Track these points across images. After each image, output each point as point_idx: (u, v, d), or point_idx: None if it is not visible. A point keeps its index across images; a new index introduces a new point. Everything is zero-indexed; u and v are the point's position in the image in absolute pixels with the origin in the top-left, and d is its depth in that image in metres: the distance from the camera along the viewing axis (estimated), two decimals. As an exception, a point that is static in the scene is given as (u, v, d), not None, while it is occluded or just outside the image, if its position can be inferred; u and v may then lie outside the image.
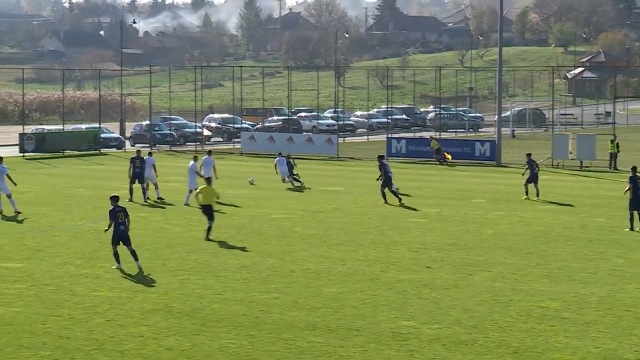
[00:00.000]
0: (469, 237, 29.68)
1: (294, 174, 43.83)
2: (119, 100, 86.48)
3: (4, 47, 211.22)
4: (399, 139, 62.01)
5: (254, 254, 26.62)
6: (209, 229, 29.10)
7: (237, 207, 36.34)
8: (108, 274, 23.70)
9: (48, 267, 24.56)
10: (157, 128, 71.25)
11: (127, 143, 69.70)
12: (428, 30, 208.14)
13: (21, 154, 60.66)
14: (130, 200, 37.50)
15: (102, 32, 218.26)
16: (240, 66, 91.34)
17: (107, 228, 24.74)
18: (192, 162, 37.55)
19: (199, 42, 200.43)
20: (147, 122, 72.66)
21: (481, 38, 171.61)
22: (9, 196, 34.79)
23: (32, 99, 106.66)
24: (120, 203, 24.79)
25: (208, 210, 29.27)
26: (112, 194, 25.33)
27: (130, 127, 74.16)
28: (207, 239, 28.77)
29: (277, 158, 43.88)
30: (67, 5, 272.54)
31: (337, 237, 29.51)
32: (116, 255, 24.32)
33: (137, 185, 38.29)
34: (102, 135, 66.47)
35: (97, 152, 63.57)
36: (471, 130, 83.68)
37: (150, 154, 40.61)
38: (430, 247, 27.86)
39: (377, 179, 38.69)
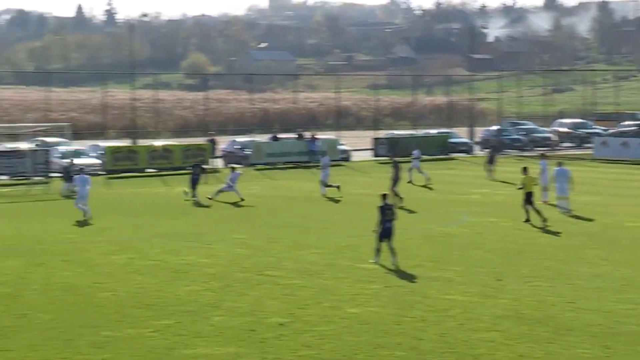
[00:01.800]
0: None
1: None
2: (467, 105, 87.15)
3: (359, 54, 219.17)
4: None
5: (607, 263, 25.85)
6: (530, 212, 33.49)
7: (587, 214, 35.44)
8: (459, 278, 23.92)
9: (401, 269, 25.19)
10: (505, 133, 71.08)
11: (476, 148, 70.06)
12: None
13: (375, 158, 62.77)
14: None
15: (452, 38, 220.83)
16: (592, 69, 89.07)
17: (375, 227, 26.29)
18: (559, 168, 36.66)
19: (549, 45, 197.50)
20: (496, 127, 72.68)
21: None
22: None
23: (385, 105, 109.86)
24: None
25: (529, 196, 33.51)
26: (383, 192, 27.46)
27: (479, 132, 74.52)
28: (527, 221, 33.16)
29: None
30: (418, 12, 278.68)
31: (698, 248, 28.01)
32: (377, 251, 25.91)
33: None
34: (451, 140, 67.26)
35: (446, 156, 64.41)
36: None
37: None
38: None
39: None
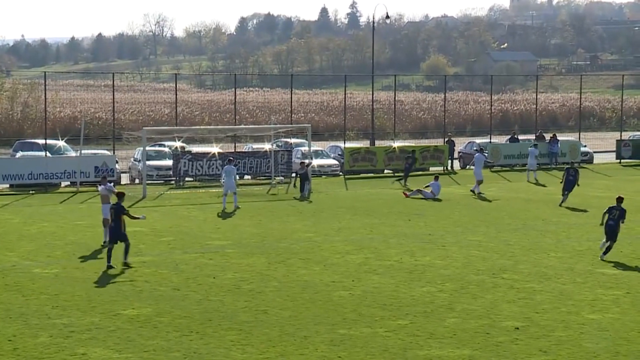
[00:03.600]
0: None
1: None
2: None
3: (605, 53, 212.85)
4: None
5: None
6: None
7: None
8: None
9: (644, 276, 24.33)
10: None
11: None
12: None
13: (617, 160, 60.76)
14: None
15: None
16: None
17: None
18: None
19: None
20: None
21: None
22: (235, 193, 38.91)
23: (630, 105, 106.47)
24: None
25: None
26: (619, 195, 27.30)
27: None
28: None
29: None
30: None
31: None
32: (603, 245, 26.26)
33: None
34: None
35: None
36: None
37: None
38: None
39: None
